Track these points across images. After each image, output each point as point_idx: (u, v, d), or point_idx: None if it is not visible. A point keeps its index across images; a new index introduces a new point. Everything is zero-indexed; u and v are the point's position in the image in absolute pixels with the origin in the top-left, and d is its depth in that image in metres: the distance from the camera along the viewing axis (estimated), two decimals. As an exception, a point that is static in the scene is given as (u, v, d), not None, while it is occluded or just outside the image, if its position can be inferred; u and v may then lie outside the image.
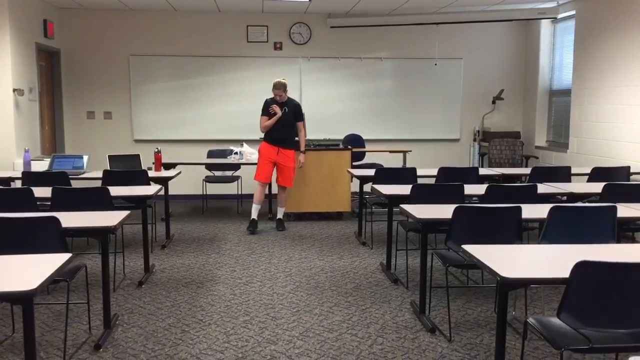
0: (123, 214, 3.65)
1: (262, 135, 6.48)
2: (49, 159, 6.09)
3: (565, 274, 2.33)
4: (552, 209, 3.45)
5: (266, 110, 6.33)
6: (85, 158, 5.95)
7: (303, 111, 6.55)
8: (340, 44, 8.61)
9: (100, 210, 3.90)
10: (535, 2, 7.80)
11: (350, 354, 3.29)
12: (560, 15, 7.97)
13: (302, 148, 6.58)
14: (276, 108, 6.25)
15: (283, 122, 6.31)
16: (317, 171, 7.00)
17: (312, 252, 5.59)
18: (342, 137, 8.12)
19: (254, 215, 6.44)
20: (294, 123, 6.42)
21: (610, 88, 6.64)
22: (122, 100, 8.45)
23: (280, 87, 6.22)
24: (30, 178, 5.14)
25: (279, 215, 6.63)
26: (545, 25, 8.41)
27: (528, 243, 3.65)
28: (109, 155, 6.19)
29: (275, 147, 6.37)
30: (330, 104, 8.63)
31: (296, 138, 6.50)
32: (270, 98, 6.32)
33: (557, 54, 8.34)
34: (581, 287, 2.31)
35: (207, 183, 7.84)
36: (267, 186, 6.65)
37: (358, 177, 5.94)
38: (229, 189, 8.14)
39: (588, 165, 6.30)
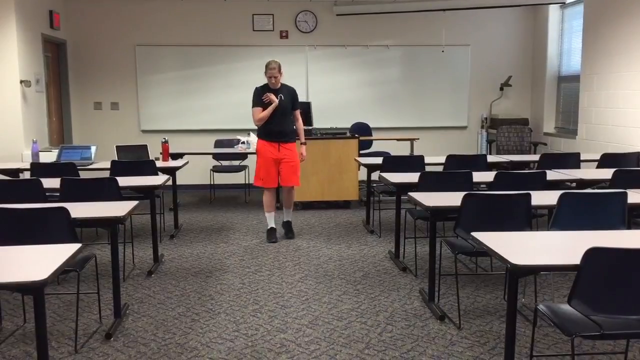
0: (132, 204, 3.66)
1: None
2: (57, 150, 6.11)
3: (576, 260, 2.32)
4: (561, 196, 3.43)
5: (259, 100, 5.43)
6: (93, 149, 5.96)
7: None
8: (347, 31, 8.56)
9: (109, 201, 3.91)
10: (544, -13, 7.72)
11: (359, 342, 3.30)
12: (568, 0, 7.88)
13: (303, 139, 5.75)
14: (272, 96, 5.36)
15: (281, 112, 5.42)
16: (324, 160, 6.98)
17: (320, 241, 5.60)
18: (349, 125, 8.08)
19: (271, 223, 5.67)
20: (291, 112, 5.57)
21: (619, 73, 6.57)
22: (129, 90, 8.45)
23: (275, 66, 5.36)
24: (39, 169, 5.16)
25: (287, 217, 5.80)
26: (553, 11, 8.32)
27: (537, 230, 3.64)
28: (116, 146, 6.21)
29: (275, 143, 5.48)
30: (337, 92, 8.59)
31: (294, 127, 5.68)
32: (261, 86, 5.49)
33: (565, 39, 8.26)
34: (592, 273, 2.30)
35: (214, 173, 7.85)
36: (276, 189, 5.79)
37: (365, 165, 5.93)
38: (237, 178, 8.15)
39: (597, 152, 6.25)
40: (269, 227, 5.68)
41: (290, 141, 5.58)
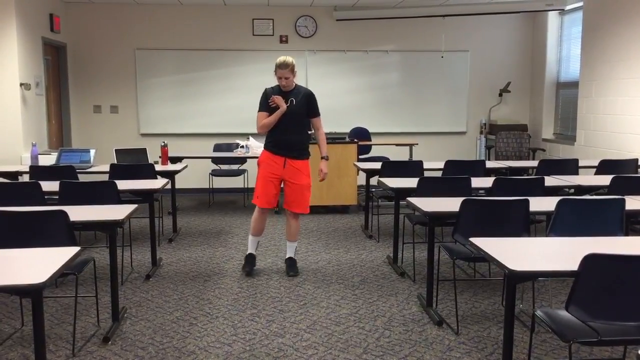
0: (130, 207, 3.66)
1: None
2: (56, 153, 6.11)
3: (574, 266, 2.32)
4: (559, 202, 3.44)
5: (265, 104, 4.53)
6: (92, 152, 5.97)
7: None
8: (346, 36, 8.58)
9: (108, 204, 3.91)
10: (543, -6, 7.76)
11: (357, 347, 3.30)
12: (567, 7, 7.91)
13: (324, 153, 4.71)
14: (279, 100, 4.46)
15: (290, 120, 4.48)
16: (323, 164, 6.98)
17: (318, 246, 5.60)
18: (348, 130, 8.09)
19: (251, 249, 4.74)
20: (306, 121, 4.62)
21: (618, 80, 6.59)
22: (128, 94, 8.46)
23: (285, 66, 4.42)
24: (38, 172, 5.16)
25: (290, 254, 4.78)
26: (552, 17, 8.35)
27: (536, 236, 3.64)
28: (115, 149, 6.20)
29: (280, 157, 4.54)
30: (336, 97, 8.60)
31: (310, 133, 4.74)
32: (271, 87, 4.58)
33: (564, 45, 8.28)
34: (590, 279, 2.30)
35: (213, 177, 7.85)
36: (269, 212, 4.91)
37: (364, 170, 5.93)
38: (235, 182, 8.15)
39: (596, 158, 6.26)
40: (247, 252, 4.77)
41: (299, 158, 4.58)
